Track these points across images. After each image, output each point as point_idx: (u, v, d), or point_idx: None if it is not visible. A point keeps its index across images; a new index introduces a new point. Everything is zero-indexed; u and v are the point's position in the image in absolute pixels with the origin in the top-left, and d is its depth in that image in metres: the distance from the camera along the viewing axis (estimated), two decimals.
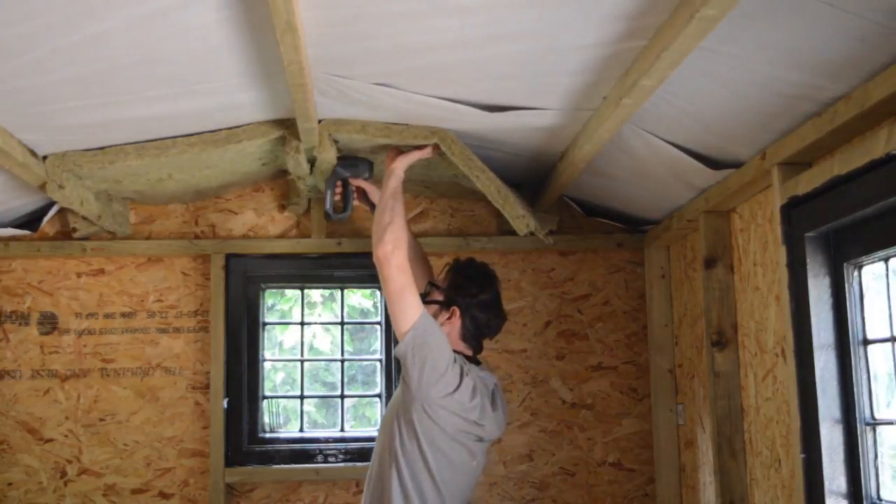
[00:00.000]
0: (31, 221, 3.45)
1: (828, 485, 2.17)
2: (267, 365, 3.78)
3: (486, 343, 2.85)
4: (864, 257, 2.15)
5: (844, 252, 2.20)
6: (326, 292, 4.42)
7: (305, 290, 3.92)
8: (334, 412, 4.00)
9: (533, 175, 3.30)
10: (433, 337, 2.48)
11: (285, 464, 3.58)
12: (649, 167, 2.85)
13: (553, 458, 3.62)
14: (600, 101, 2.39)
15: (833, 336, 2.21)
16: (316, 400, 4.56)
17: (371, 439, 3.63)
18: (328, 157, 2.90)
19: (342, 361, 3.85)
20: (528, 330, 3.67)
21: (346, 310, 3.90)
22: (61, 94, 2.30)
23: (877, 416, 2.16)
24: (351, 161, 2.98)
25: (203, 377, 3.58)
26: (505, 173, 3.03)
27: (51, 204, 3.35)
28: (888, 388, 2.16)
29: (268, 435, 3.67)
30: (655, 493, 3.58)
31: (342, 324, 3.86)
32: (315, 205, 3.64)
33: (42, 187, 2.77)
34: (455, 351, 2.57)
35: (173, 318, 3.62)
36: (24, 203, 3.25)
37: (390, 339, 3.65)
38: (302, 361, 3.88)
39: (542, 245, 3.47)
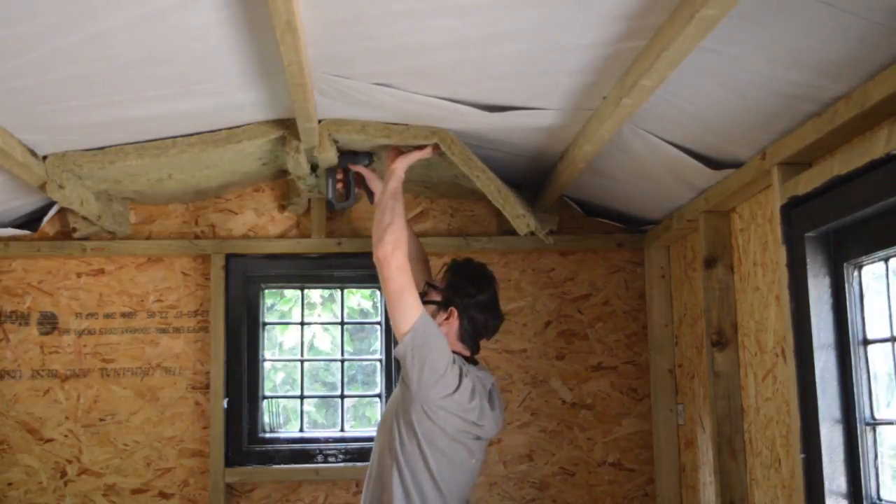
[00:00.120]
0: (31, 221, 3.45)
1: (828, 485, 2.17)
2: (267, 365, 3.78)
3: (487, 343, 2.85)
4: (864, 257, 2.15)
5: (844, 252, 2.20)
6: (326, 293, 4.42)
7: (305, 291, 3.92)
8: (334, 412, 4.00)
9: (533, 175, 3.30)
10: (433, 338, 2.48)
11: (285, 464, 3.58)
12: (649, 167, 2.85)
13: (553, 458, 3.62)
14: (600, 101, 2.39)
15: (833, 336, 2.21)
16: (316, 400, 4.56)
17: (371, 439, 3.62)
18: (328, 157, 2.91)
19: (342, 361, 3.85)
20: (528, 330, 3.67)
21: (345, 311, 3.90)
22: (61, 94, 2.30)
23: (877, 416, 2.16)
24: (351, 151, 2.99)
25: (203, 377, 3.58)
26: (505, 173, 3.03)
27: (51, 204, 3.35)
28: (888, 388, 2.16)
29: (268, 435, 3.67)
30: (655, 493, 3.58)
31: (342, 324, 3.86)
32: (315, 204, 3.64)
33: (42, 187, 2.77)
34: (453, 351, 2.57)
35: (173, 318, 3.62)
36: (24, 203, 3.25)
37: (390, 339, 3.64)
38: (302, 361, 3.88)
39: (542, 245, 3.47)
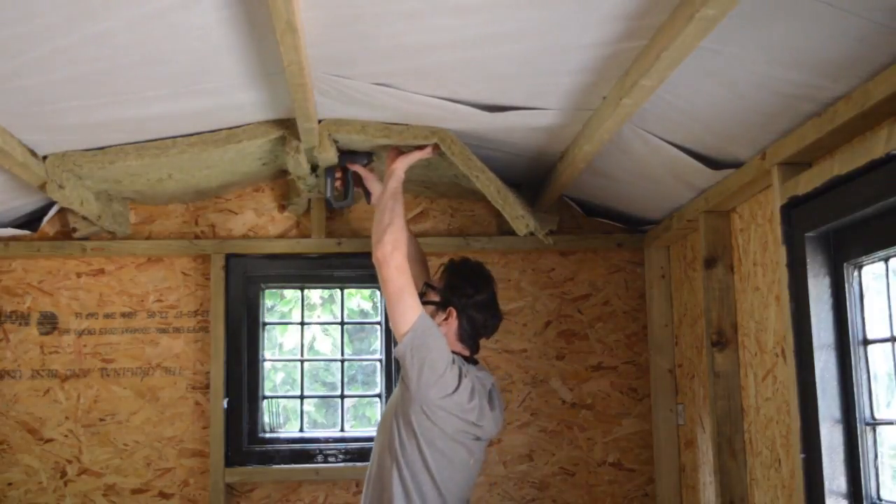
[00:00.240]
0: (31, 221, 3.45)
1: (828, 485, 2.17)
2: (267, 365, 3.78)
3: (486, 343, 2.85)
4: (864, 257, 2.15)
5: (844, 252, 2.20)
6: (326, 294, 4.42)
7: (305, 292, 3.92)
8: (334, 412, 4.00)
9: (533, 175, 3.30)
10: (432, 338, 2.49)
11: (285, 464, 3.58)
12: (649, 167, 2.85)
13: (553, 458, 3.62)
14: (600, 101, 2.39)
15: (833, 336, 2.21)
16: (316, 400, 4.57)
17: (371, 439, 3.62)
18: (328, 157, 2.91)
19: (342, 361, 3.85)
20: (528, 330, 3.67)
21: (345, 312, 3.90)
22: (61, 94, 2.30)
23: (877, 416, 2.16)
24: (350, 151, 2.99)
25: (203, 377, 3.58)
26: (505, 173, 3.03)
27: (51, 204, 3.35)
28: (888, 388, 2.16)
29: (268, 435, 3.67)
30: (655, 493, 3.58)
31: (342, 324, 3.86)
32: (315, 204, 3.64)
33: (42, 187, 2.77)
34: (452, 352, 2.57)
35: (173, 318, 3.62)
36: (24, 203, 3.25)
37: (390, 339, 3.64)
38: (302, 361, 3.88)
39: (542, 245, 3.47)
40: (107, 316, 3.61)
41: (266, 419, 3.71)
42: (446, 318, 2.67)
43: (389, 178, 2.74)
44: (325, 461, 3.59)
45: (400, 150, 2.84)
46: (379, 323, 3.77)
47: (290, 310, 4.74)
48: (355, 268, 3.66)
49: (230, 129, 2.78)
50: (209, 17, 1.93)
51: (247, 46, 2.11)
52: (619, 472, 3.62)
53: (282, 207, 3.69)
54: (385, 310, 3.65)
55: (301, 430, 3.73)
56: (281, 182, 3.68)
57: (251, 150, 2.94)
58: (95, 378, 3.56)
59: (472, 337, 2.71)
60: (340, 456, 3.61)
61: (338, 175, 3.04)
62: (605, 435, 3.63)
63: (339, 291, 3.87)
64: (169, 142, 2.78)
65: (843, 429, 2.18)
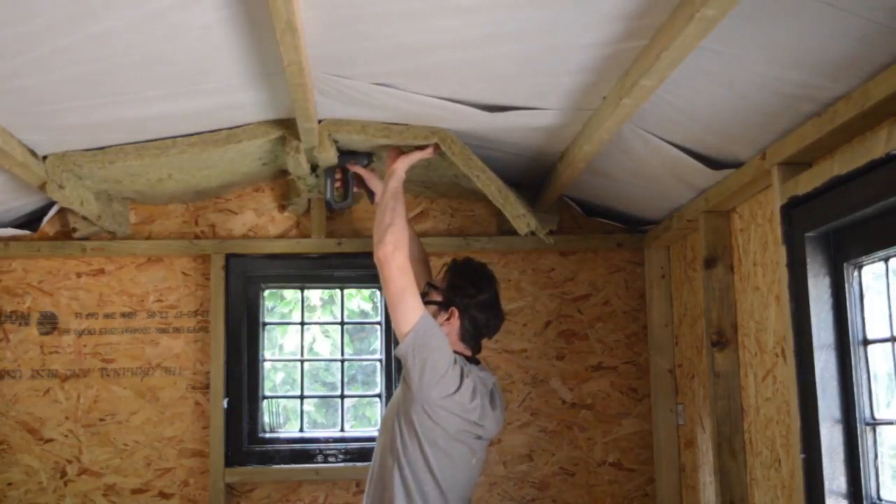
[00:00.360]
0: (31, 221, 3.45)
1: (828, 485, 2.16)
2: (267, 365, 3.78)
3: (486, 343, 2.85)
4: (864, 257, 2.15)
5: (844, 252, 2.20)
6: (326, 295, 4.42)
7: (305, 292, 3.92)
8: (334, 412, 4.00)
9: (533, 175, 3.30)
10: (434, 338, 2.49)
11: (285, 464, 3.58)
12: (649, 167, 2.85)
13: (553, 458, 3.62)
14: (600, 101, 2.39)
15: (833, 336, 2.21)
16: (316, 400, 4.57)
17: (371, 439, 3.63)
18: (328, 157, 2.91)
19: (342, 361, 3.85)
20: (528, 330, 3.67)
21: (345, 313, 3.90)
22: (61, 94, 2.30)
23: (877, 416, 2.16)
24: (350, 151, 2.99)
25: (203, 377, 3.58)
26: (505, 173, 3.03)
27: (51, 204, 3.35)
28: (888, 388, 2.16)
29: (268, 435, 3.67)
30: (655, 493, 3.58)
31: (342, 324, 3.86)
32: (315, 204, 3.64)
33: (42, 187, 2.77)
34: (454, 351, 2.57)
35: (173, 318, 3.62)
36: (24, 203, 3.25)
37: (390, 339, 3.65)
38: (302, 361, 3.88)
39: (542, 245, 3.47)
40: (107, 316, 3.61)
41: (266, 419, 3.71)
42: (448, 318, 2.67)
43: (390, 178, 2.75)
44: (325, 461, 3.59)
45: (400, 150, 2.84)
46: (379, 323, 3.77)
47: (290, 311, 4.74)
48: (355, 268, 3.66)
49: (230, 129, 2.78)
50: (209, 17, 1.93)
51: (247, 46, 2.11)
52: (619, 472, 3.62)
53: (282, 207, 3.69)
54: (385, 310, 3.68)
55: (301, 430, 3.73)
56: (281, 182, 3.68)
57: (251, 150, 2.94)
58: (95, 378, 3.56)
59: (474, 337, 2.72)
60: (340, 456, 3.61)
61: (338, 175, 3.05)
62: (605, 435, 3.63)
63: (339, 292, 3.87)
64: (169, 142, 2.78)
65: (843, 429, 2.18)
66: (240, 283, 3.64)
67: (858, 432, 2.16)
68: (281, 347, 4.20)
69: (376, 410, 3.79)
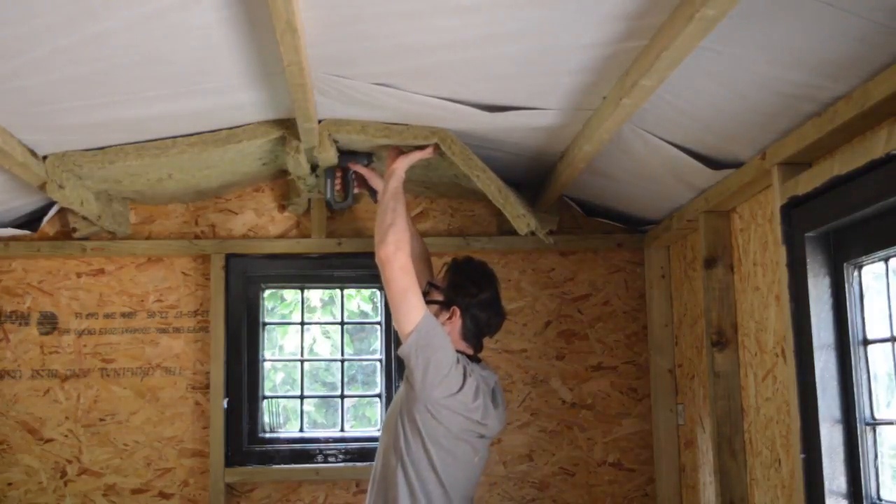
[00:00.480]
0: (31, 221, 3.45)
1: (828, 485, 2.16)
2: (267, 365, 3.78)
3: (487, 343, 2.85)
4: (864, 257, 2.15)
5: (844, 252, 2.20)
6: (326, 296, 4.42)
7: (305, 293, 3.92)
8: (334, 412, 4.00)
9: (533, 175, 3.30)
10: (436, 338, 2.49)
11: (285, 464, 3.58)
12: (649, 167, 2.85)
13: (553, 458, 3.62)
14: (600, 101, 2.39)
15: (833, 336, 2.21)
16: (316, 400, 4.57)
17: (371, 439, 3.63)
18: (328, 157, 2.91)
19: (342, 361, 3.85)
20: (528, 330, 3.67)
21: (345, 313, 3.90)
22: (61, 94, 2.30)
23: (877, 416, 2.16)
24: (350, 151, 2.99)
25: (203, 377, 3.58)
26: (505, 173, 3.03)
27: (51, 204, 3.35)
28: (888, 388, 2.16)
29: (268, 435, 3.66)
30: (655, 493, 3.58)
31: (342, 324, 3.86)
32: (315, 204, 3.64)
33: (42, 187, 2.77)
34: (457, 350, 2.57)
35: (173, 318, 3.62)
36: (24, 203, 3.25)
37: (390, 338, 3.65)
38: (302, 361, 3.87)
39: (542, 245, 3.48)
40: (107, 316, 3.61)
41: (266, 419, 3.71)
42: (450, 318, 2.68)
43: (390, 177, 2.75)
44: (325, 461, 3.59)
45: (400, 150, 2.84)
46: (379, 323, 3.77)
47: (291, 312, 4.74)
48: (356, 268, 3.66)
49: (230, 129, 2.78)
50: (209, 17, 1.93)
51: (247, 46, 2.11)
52: (619, 472, 3.62)
53: (282, 207, 3.69)
54: (385, 310, 3.68)
55: (301, 430, 3.73)
56: (281, 182, 3.68)
57: (251, 150, 2.94)
58: (95, 378, 3.56)
59: (475, 336, 2.72)
60: (340, 456, 3.61)
61: (338, 175, 3.05)
62: (605, 435, 3.63)
63: (339, 292, 3.87)
64: (169, 142, 2.78)
65: (843, 429, 2.18)
66: (240, 283, 3.64)
67: (858, 432, 2.16)
68: (281, 348, 4.20)
69: (376, 410, 3.79)
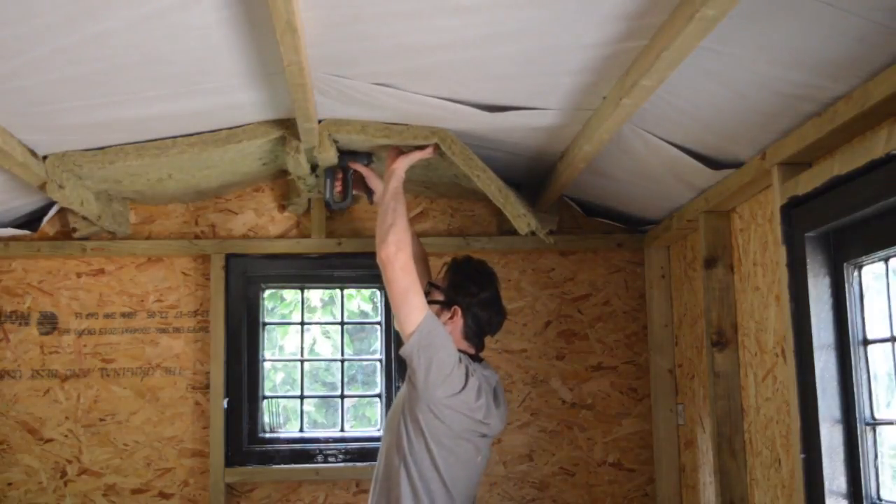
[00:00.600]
0: (31, 221, 3.45)
1: (828, 485, 2.17)
2: (267, 365, 3.78)
3: (487, 343, 2.85)
4: (864, 257, 2.15)
5: (844, 252, 2.20)
6: (326, 296, 4.42)
7: (305, 293, 3.92)
8: (334, 412, 4.00)
9: (533, 175, 3.30)
10: (439, 338, 2.49)
11: (285, 464, 3.58)
12: (649, 167, 2.85)
13: (553, 458, 3.62)
14: (600, 101, 2.39)
15: (833, 336, 2.21)
16: (316, 400, 4.56)
17: (371, 439, 3.64)
18: (328, 157, 2.91)
19: (342, 361, 3.85)
20: (528, 330, 3.67)
21: (345, 313, 3.89)
22: (61, 94, 2.30)
23: (877, 416, 2.16)
24: (350, 151, 2.99)
25: (203, 377, 3.58)
26: (505, 173, 3.03)
27: (51, 204, 3.35)
28: (888, 388, 2.16)
29: (268, 435, 3.66)
30: (655, 493, 3.58)
31: (342, 324, 3.85)
32: (315, 204, 3.64)
33: (42, 187, 2.77)
34: (458, 350, 2.57)
35: (173, 318, 3.62)
36: (24, 203, 3.25)
37: (390, 338, 3.65)
38: (302, 361, 3.87)
39: (542, 245, 3.48)
40: (107, 316, 3.61)
41: (266, 419, 3.71)
42: (451, 317, 2.68)
43: (390, 178, 2.75)
44: (325, 461, 3.59)
45: (400, 150, 2.84)
46: (379, 323, 3.77)
47: (291, 312, 4.74)
48: (355, 268, 3.66)
49: (230, 129, 2.78)
50: (209, 17, 1.93)
51: (247, 46, 2.11)
52: (619, 472, 3.62)
53: (282, 207, 3.69)
54: (385, 310, 3.68)
55: (301, 430, 3.73)
56: (281, 182, 3.68)
57: (251, 150, 2.94)
58: (95, 378, 3.56)
59: (477, 335, 2.72)
60: (340, 456, 3.61)
61: (338, 176, 3.05)
62: (605, 435, 3.63)
63: (339, 292, 3.87)
64: (169, 142, 2.78)
65: (843, 429, 2.18)
66: (240, 283, 3.64)
67: (858, 432, 2.16)
68: (281, 348, 4.20)
69: (376, 410, 3.79)
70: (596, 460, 3.62)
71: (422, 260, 3.05)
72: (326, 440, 3.65)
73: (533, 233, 3.06)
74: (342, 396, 3.80)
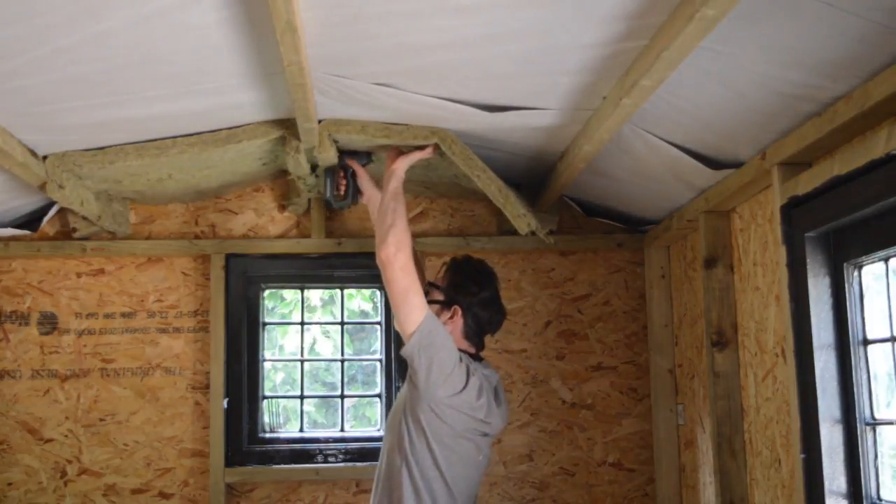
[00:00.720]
0: (31, 221, 3.45)
1: (828, 485, 2.17)
2: (267, 365, 3.78)
3: (486, 342, 2.85)
4: (864, 257, 2.15)
5: (844, 252, 2.20)
6: (326, 295, 4.42)
7: (305, 292, 3.92)
8: (334, 412, 4.00)
9: (533, 175, 3.30)
10: (439, 337, 2.49)
11: (285, 464, 3.58)
12: (649, 167, 2.85)
13: (553, 458, 3.62)
14: (600, 101, 2.39)
15: (833, 336, 2.21)
16: (316, 400, 4.57)
17: (371, 439, 3.64)
18: (328, 157, 2.91)
19: (342, 361, 3.85)
20: (528, 330, 3.67)
21: (345, 313, 3.89)
22: (61, 94, 2.30)
23: (877, 416, 2.16)
24: (350, 151, 2.99)
25: (203, 377, 3.58)
26: (505, 173, 3.03)
27: (51, 204, 3.35)
28: (888, 388, 2.16)
29: (268, 435, 3.67)
30: (655, 493, 3.58)
31: (342, 324, 3.86)
32: (315, 204, 3.64)
33: (42, 187, 2.77)
34: (459, 349, 2.57)
35: (173, 318, 3.62)
36: (24, 203, 3.25)
37: (390, 338, 3.65)
38: (302, 361, 3.87)
39: (542, 245, 3.48)
40: (107, 316, 3.61)
41: (266, 419, 3.71)
42: (451, 317, 2.68)
43: (390, 178, 2.74)
44: (325, 461, 3.59)
45: (400, 151, 2.84)
46: (379, 323, 3.77)
47: (290, 311, 4.74)
48: (355, 268, 3.67)
49: (230, 129, 2.78)
50: (209, 17, 1.93)
51: (247, 46, 2.11)
52: (619, 472, 3.62)
53: (282, 207, 3.69)
54: (385, 309, 3.68)
55: (301, 430, 3.73)
56: (281, 182, 3.68)
57: (251, 150, 2.94)
58: (95, 378, 3.56)
59: (477, 334, 2.72)
60: (340, 456, 3.61)
61: (339, 175, 3.05)
62: (605, 435, 3.63)
63: (339, 292, 3.87)
64: (169, 142, 2.78)
65: (843, 429, 2.18)
66: (240, 283, 3.64)
67: (858, 432, 2.16)
68: (281, 348, 4.20)
69: (376, 410, 3.79)
70: (596, 460, 3.62)
71: (416, 261, 3.05)
72: (326, 440, 3.65)
73: (533, 233, 3.06)
74: (342, 396, 3.80)
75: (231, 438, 3.55)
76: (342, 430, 3.73)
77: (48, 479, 3.51)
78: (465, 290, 2.70)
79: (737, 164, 2.57)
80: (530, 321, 3.67)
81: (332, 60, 2.23)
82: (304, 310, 3.87)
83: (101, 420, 3.55)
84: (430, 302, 2.64)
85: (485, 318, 2.71)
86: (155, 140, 2.78)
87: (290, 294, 4.30)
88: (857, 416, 2.16)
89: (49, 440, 3.53)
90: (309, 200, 3.61)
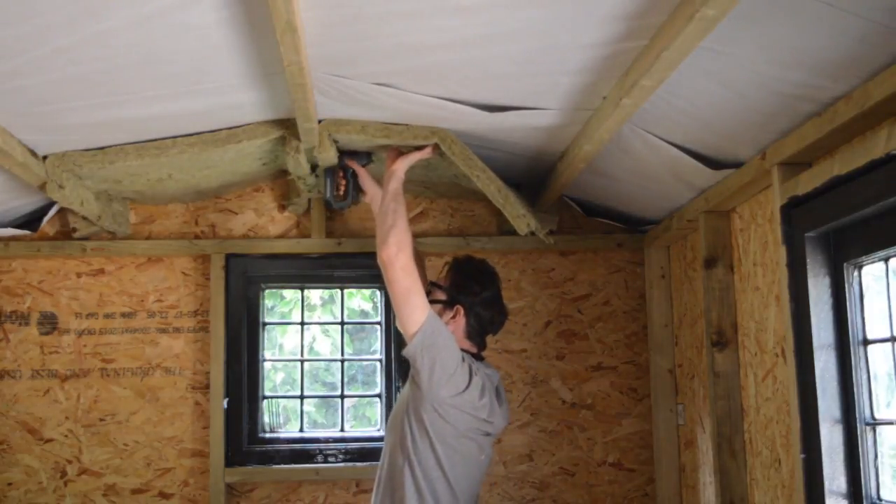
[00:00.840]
0: (31, 221, 3.45)
1: (828, 485, 2.17)
2: (267, 365, 3.78)
3: (486, 342, 2.85)
4: (864, 257, 2.15)
5: (844, 252, 2.20)
6: (326, 295, 4.42)
7: (305, 292, 3.92)
8: (334, 412, 4.00)
9: (533, 175, 3.30)
10: (441, 337, 2.49)
11: (285, 464, 3.58)
12: (649, 167, 2.85)
13: (553, 458, 3.62)
14: (600, 101, 2.39)
15: (833, 336, 2.21)
16: (316, 400, 4.56)
17: (371, 439, 3.64)
18: (328, 157, 2.91)
19: (342, 361, 3.85)
20: (528, 330, 3.67)
21: (345, 313, 3.89)
22: (61, 93, 2.30)
23: (877, 416, 2.16)
24: (350, 151, 3.00)
25: (203, 377, 3.58)
26: (505, 173, 3.03)
27: (51, 204, 3.35)
28: (888, 388, 2.16)
29: (268, 435, 3.67)
30: (655, 493, 3.58)
31: (342, 324, 3.86)
32: (315, 204, 3.65)
33: (42, 187, 2.77)
34: (461, 349, 2.57)
35: (173, 318, 3.62)
36: (24, 203, 3.25)
37: (390, 338, 3.65)
38: (302, 361, 3.87)
39: (542, 245, 3.48)
40: (107, 316, 3.61)
41: (266, 419, 3.71)
42: (454, 317, 2.68)
43: (390, 178, 2.75)
44: (325, 461, 3.59)
45: (400, 151, 2.84)
46: (379, 323, 3.77)
47: (290, 311, 4.74)
48: (355, 268, 3.67)
49: (230, 129, 2.78)
50: (209, 17, 1.93)
51: (247, 46, 2.11)
52: (619, 472, 3.62)
53: (282, 207, 3.69)
54: (385, 309, 3.68)
55: (301, 430, 3.73)
56: (281, 182, 3.68)
57: (251, 150, 2.94)
58: (95, 378, 3.56)
59: (479, 334, 2.72)
60: (340, 456, 3.61)
61: (340, 175, 3.05)
62: (605, 435, 3.63)
63: (339, 292, 3.87)
64: (169, 142, 2.78)
65: (843, 429, 2.18)
66: (240, 283, 3.64)
67: (858, 432, 2.16)
68: (281, 347, 4.20)
69: (376, 410, 3.79)
70: (596, 460, 3.62)
71: (419, 260, 3.05)
72: (326, 440, 3.65)
73: (533, 233, 3.06)
74: (342, 396, 3.80)
75: (231, 438, 3.55)
76: (342, 430, 3.73)
77: (48, 479, 3.51)
78: (468, 289, 2.70)
79: (737, 164, 2.57)
80: (530, 321, 3.67)
81: (332, 60, 2.23)
82: (304, 309, 3.87)
83: (101, 420, 3.55)
84: (432, 301, 2.64)
85: (487, 317, 2.71)
86: (155, 140, 2.78)
87: (290, 293, 4.29)
88: (857, 416, 2.16)
89: (49, 440, 3.53)
90: (309, 200, 3.61)
